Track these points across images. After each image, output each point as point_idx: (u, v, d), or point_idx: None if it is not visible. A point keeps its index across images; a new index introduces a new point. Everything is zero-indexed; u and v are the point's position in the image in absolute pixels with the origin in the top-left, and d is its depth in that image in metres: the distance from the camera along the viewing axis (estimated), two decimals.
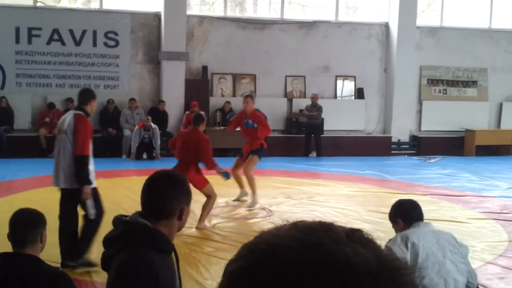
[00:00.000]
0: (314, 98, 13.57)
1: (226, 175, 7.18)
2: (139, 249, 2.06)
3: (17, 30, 12.87)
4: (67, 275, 2.90)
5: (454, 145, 14.57)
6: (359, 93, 14.85)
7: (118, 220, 2.14)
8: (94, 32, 13.25)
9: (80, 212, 5.43)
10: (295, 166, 12.06)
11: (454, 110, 14.98)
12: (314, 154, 13.60)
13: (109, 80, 13.48)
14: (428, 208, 7.28)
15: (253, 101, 8.06)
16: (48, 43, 13.06)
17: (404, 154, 14.44)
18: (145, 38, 13.70)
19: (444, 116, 14.88)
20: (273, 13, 14.78)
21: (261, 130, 7.94)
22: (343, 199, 8.81)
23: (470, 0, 15.70)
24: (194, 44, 13.83)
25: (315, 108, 13.50)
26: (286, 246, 0.63)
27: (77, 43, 13.21)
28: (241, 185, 8.34)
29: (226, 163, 8.40)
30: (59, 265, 5.13)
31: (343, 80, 14.87)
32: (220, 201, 8.13)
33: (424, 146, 14.58)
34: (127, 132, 12.84)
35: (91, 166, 5.41)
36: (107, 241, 2.14)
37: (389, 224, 3.75)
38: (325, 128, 13.81)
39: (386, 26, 14.88)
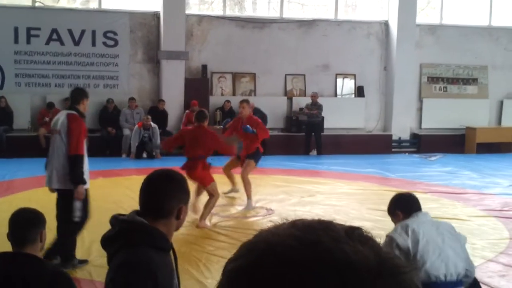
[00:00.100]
0: (314, 96, 13.56)
1: (248, 130, 7.58)
2: (137, 247, 2.05)
3: (16, 30, 12.86)
4: (67, 274, 2.90)
5: (455, 142, 14.57)
6: (359, 91, 14.84)
7: (116, 219, 2.14)
8: (93, 32, 13.23)
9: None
10: (296, 164, 12.06)
11: (454, 108, 14.97)
12: (314, 152, 13.59)
13: (108, 79, 13.47)
14: (429, 206, 7.27)
15: (249, 106, 8.06)
16: (47, 43, 13.05)
17: (405, 152, 14.43)
18: (144, 37, 13.69)
19: (445, 114, 14.87)
20: (272, 12, 14.77)
21: (261, 133, 7.93)
22: (344, 197, 8.81)
23: None
24: (193, 43, 13.82)
25: (315, 106, 13.48)
26: (285, 244, 0.62)
27: (76, 43, 13.20)
28: (233, 183, 8.34)
29: (224, 163, 8.41)
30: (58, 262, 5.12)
31: (343, 78, 14.86)
32: (220, 200, 8.12)
33: (425, 144, 14.57)
34: (126, 132, 12.83)
35: (86, 166, 5.38)
36: (105, 241, 2.13)
37: (389, 222, 3.74)
38: (325, 126, 13.80)
39: (386, 24, 14.87)
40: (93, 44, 13.29)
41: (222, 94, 14.00)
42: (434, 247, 3.34)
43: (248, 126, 7.80)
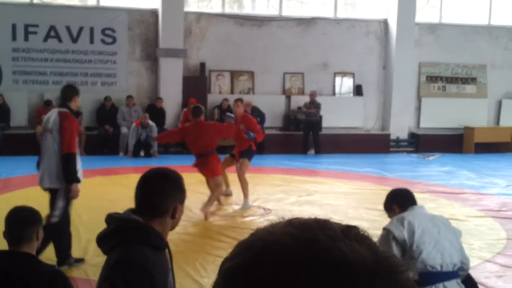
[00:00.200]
0: (313, 95, 13.55)
1: (250, 136, 7.72)
2: (132, 245, 2.05)
3: (14, 27, 12.82)
4: (64, 273, 2.90)
5: (453, 142, 14.57)
6: (358, 90, 14.83)
7: (111, 218, 2.14)
8: (91, 29, 13.21)
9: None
10: (293, 163, 12.05)
11: (453, 107, 14.98)
12: (312, 151, 13.59)
13: (106, 77, 13.45)
14: (427, 205, 7.22)
15: (243, 105, 8.25)
16: (45, 40, 13.02)
17: (403, 151, 14.43)
18: (142, 35, 13.67)
19: (443, 113, 14.88)
20: (271, 10, 14.76)
21: (258, 137, 8.02)
22: (341, 196, 8.80)
23: None
24: (191, 41, 13.80)
25: (313, 105, 13.48)
26: (281, 243, 0.62)
27: (74, 40, 13.17)
28: (226, 184, 8.31)
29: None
30: (54, 264, 5.10)
31: (342, 77, 14.85)
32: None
33: (423, 143, 14.57)
34: (124, 130, 12.81)
35: (79, 165, 5.34)
36: (100, 239, 2.13)
37: (386, 222, 3.74)
38: (323, 125, 13.79)
39: (385, 22, 14.86)
40: (91, 41, 13.26)
41: (220, 92, 13.99)
42: (429, 237, 3.40)
43: (250, 132, 7.87)
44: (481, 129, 14.66)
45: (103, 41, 13.33)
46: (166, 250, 2.17)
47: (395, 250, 3.37)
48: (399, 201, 3.64)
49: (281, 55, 14.20)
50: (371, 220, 6.97)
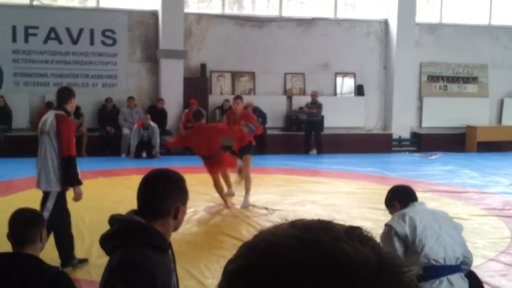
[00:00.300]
0: (314, 95, 13.55)
1: (251, 129, 7.79)
2: (135, 246, 2.05)
3: (14, 29, 12.84)
4: (67, 274, 2.90)
5: (455, 141, 14.56)
6: (359, 90, 14.83)
7: (114, 219, 2.14)
8: (91, 31, 13.22)
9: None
10: (295, 163, 12.05)
11: (454, 107, 14.97)
12: (314, 151, 13.58)
13: (107, 78, 13.46)
14: (430, 205, 7.21)
15: (242, 102, 8.30)
16: (45, 41, 13.03)
17: (405, 151, 14.42)
18: (142, 36, 13.68)
19: (445, 113, 14.87)
20: (271, 11, 14.76)
21: (258, 130, 8.10)
22: (344, 196, 8.79)
23: None
24: (192, 42, 13.80)
25: (315, 105, 13.48)
26: (285, 244, 0.63)
27: (74, 42, 13.18)
28: (228, 184, 8.29)
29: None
30: (58, 265, 5.10)
31: (343, 77, 14.85)
32: (219, 200, 8.12)
33: (425, 143, 14.57)
34: (125, 131, 12.82)
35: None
36: (103, 240, 2.13)
37: None
38: (325, 125, 13.79)
39: (385, 23, 14.86)
40: (92, 43, 13.27)
41: (221, 93, 13.99)
42: (431, 232, 3.43)
43: (250, 125, 7.88)
44: (483, 128, 14.65)
45: (103, 43, 13.34)
46: (169, 251, 2.17)
47: (397, 245, 3.39)
48: (400, 198, 3.67)
49: (281, 56, 14.21)
50: (374, 220, 6.96)
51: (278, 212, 7.57)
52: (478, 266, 5.21)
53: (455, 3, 15.50)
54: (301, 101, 14.08)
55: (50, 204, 5.18)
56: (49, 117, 5.32)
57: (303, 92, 14.39)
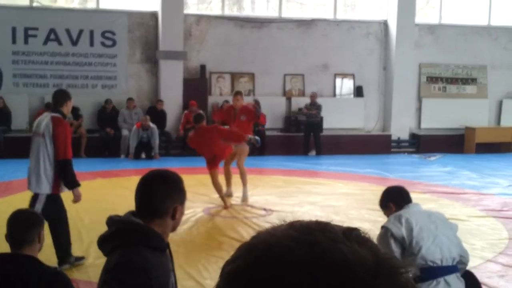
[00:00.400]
0: (313, 96, 13.56)
1: (257, 141, 7.99)
2: (133, 247, 2.06)
3: (14, 30, 12.84)
4: (66, 275, 2.90)
5: (454, 142, 14.57)
6: (358, 91, 14.83)
7: (111, 220, 2.15)
8: (91, 32, 13.22)
9: None
10: (295, 164, 12.05)
11: (453, 108, 14.98)
12: (313, 152, 13.59)
13: (106, 79, 13.46)
14: (428, 206, 7.25)
15: (242, 98, 8.48)
16: (45, 43, 13.03)
17: (404, 152, 14.42)
18: (142, 37, 13.68)
19: (444, 114, 14.88)
20: (271, 12, 14.77)
21: (262, 119, 8.66)
22: (343, 197, 8.80)
23: None
24: (191, 43, 13.81)
25: (314, 106, 13.48)
26: (283, 245, 0.63)
27: (74, 43, 13.18)
28: (228, 183, 8.37)
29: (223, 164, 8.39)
30: (56, 265, 5.11)
31: (342, 78, 14.86)
32: (218, 201, 8.12)
33: (424, 144, 14.57)
34: (125, 132, 12.81)
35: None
36: (101, 241, 2.14)
37: None
38: (324, 126, 13.80)
39: (385, 24, 14.87)
40: (91, 44, 13.27)
41: (220, 94, 13.99)
42: (428, 233, 3.44)
43: (257, 139, 8.17)
44: (482, 129, 14.65)
45: (103, 44, 13.34)
46: (168, 251, 2.17)
47: (394, 247, 3.39)
48: (395, 199, 3.67)
49: (281, 57, 14.21)
50: (373, 221, 6.96)
51: (277, 213, 7.58)
52: (476, 267, 5.22)
53: (455, 4, 15.51)
54: (300, 102, 14.09)
55: (38, 206, 5.15)
56: (45, 119, 5.29)
57: (302, 93, 14.39)
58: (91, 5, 13.76)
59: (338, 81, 14.82)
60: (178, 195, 2.17)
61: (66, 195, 5.49)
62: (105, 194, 8.49)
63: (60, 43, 13.10)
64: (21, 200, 7.61)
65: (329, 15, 14.70)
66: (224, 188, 8.16)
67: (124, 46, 13.47)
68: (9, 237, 2.82)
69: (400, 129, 14.70)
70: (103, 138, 12.84)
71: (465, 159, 13.31)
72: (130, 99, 13.18)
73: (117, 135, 12.86)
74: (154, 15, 13.63)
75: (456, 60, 15.21)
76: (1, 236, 2.90)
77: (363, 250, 0.62)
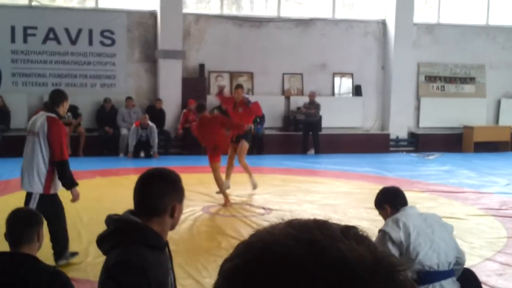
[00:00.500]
0: (312, 95, 13.56)
1: (258, 130, 8.29)
2: (131, 246, 2.06)
3: (13, 29, 12.82)
4: (65, 274, 2.90)
5: (453, 141, 14.59)
6: (357, 90, 14.84)
7: (110, 219, 2.15)
8: (90, 31, 13.21)
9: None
10: (293, 163, 12.05)
11: (452, 107, 14.99)
12: (312, 151, 13.60)
13: (105, 78, 13.45)
14: (427, 204, 7.26)
15: (243, 91, 8.89)
16: (44, 42, 13.02)
17: (403, 151, 14.44)
18: (141, 36, 13.67)
19: (442, 113, 14.89)
20: (269, 11, 14.77)
21: (258, 110, 8.87)
22: (341, 196, 8.80)
23: None
24: (190, 43, 13.80)
25: (312, 105, 13.49)
26: (281, 244, 0.63)
27: (73, 42, 13.17)
28: (228, 176, 8.58)
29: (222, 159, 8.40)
30: (55, 264, 5.11)
31: (341, 77, 14.86)
32: (217, 199, 8.13)
33: (423, 143, 14.59)
34: (124, 131, 12.81)
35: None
36: (100, 240, 2.14)
37: None
38: (323, 125, 13.80)
39: (383, 23, 14.87)
40: (90, 43, 13.26)
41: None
42: (425, 238, 3.44)
43: (259, 128, 8.59)
44: (480, 128, 14.67)
45: (102, 43, 13.33)
46: (166, 250, 2.18)
47: (392, 251, 3.39)
48: (391, 201, 3.65)
49: (279, 56, 14.21)
50: (371, 220, 6.96)
51: (276, 212, 7.59)
52: (475, 266, 5.23)
53: (453, 4, 15.52)
54: (299, 101, 14.09)
55: (32, 206, 5.13)
56: (40, 118, 5.27)
57: (301, 93, 14.40)
58: (90, 4, 13.75)
59: (337, 80, 14.82)
60: (177, 193, 2.17)
61: (65, 195, 5.49)
62: (104, 193, 8.49)
63: (59, 42, 13.09)
64: (20, 199, 7.59)
65: (328, 15, 14.70)
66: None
67: (123, 45, 13.47)
68: (8, 235, 2.82)
69: (399, 128, 14.71)
70: (102, 137, 12.84)
71: (463, 158, 13.33)
72: (129, 98, 13.17)
73: (116, 134, 12.86)
74: (153, 14, 13.62)
75: (455, 59, 15.22)
76: (0, 235, 2.90)
77: (361, 248, 0.62)
